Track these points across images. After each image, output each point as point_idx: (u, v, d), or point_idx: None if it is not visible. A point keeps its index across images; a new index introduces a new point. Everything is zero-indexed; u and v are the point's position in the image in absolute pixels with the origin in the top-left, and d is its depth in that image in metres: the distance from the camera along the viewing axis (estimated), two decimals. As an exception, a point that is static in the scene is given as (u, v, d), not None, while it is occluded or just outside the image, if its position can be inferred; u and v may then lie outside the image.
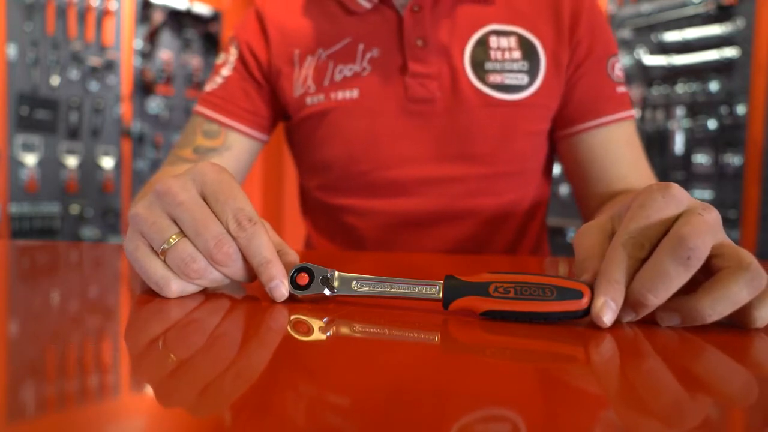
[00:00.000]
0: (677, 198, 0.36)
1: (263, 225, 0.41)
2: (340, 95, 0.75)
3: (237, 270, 0.40)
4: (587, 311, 0.36)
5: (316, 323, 0.37)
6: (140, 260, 0.40)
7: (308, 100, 0.77)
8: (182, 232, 0.39)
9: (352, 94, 0.75)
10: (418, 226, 0.78)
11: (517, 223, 0.81)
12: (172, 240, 0.39)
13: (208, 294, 0.43)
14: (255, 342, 0.33)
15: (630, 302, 0.35)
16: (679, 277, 0.34)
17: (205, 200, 0.40)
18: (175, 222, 0.40)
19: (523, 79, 0.74)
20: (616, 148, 0.77)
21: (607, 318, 0.35)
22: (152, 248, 0.40)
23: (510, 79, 0.74)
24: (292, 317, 0.38)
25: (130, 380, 0.27)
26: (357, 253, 0.73)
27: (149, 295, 0.42)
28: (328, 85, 0.75)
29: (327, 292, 0.40)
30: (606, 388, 0.28)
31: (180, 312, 0.38)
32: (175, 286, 0.40)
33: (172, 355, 0.30)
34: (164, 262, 0.40)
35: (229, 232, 0.39)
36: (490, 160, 0.76)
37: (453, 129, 0.75)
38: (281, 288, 0.39)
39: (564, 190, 2.72)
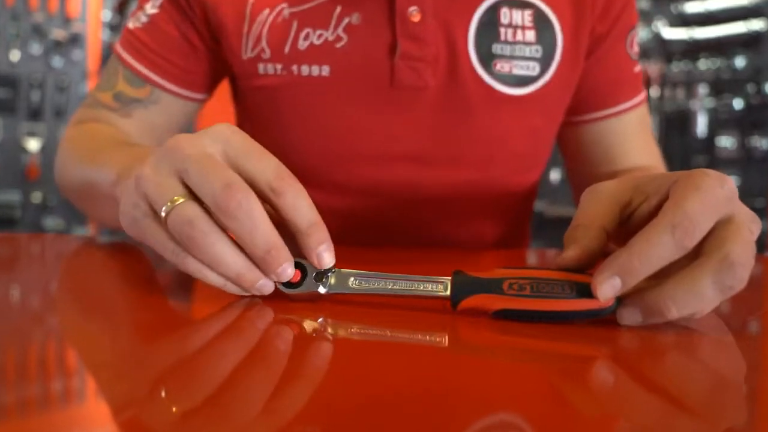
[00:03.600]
0: (733, 193, 0.35)
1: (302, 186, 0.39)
2: (305, 70, 0.66)
3: (255, 237, 0.36)
4: (611, 309, 0.36)
5: (309, 325, 0.36)
6: (144, 229, 0.39)
7: (261, 67, 0.68)
8: (191, 194, 0.37)
9: (322, 70, 0.66)
10: (384, 229, 0.75)
11: (504, 225, 0.80)
12: (176, 201, 0.37)
13: (179, 281, 0.42)
14: (237, 344, 0.33)
15: (645, 304, 0.35)
16: (715, 302, 0.34)
17: (229, 163, 0.38)
18: (186, 184, 0.38)
19: (535, 68, 0.69)
20: (629, 134, 0.77)
21: (604, 293, 0.34)
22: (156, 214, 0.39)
23: (519, 69, 0.68)
24: (282, 318, 0.37)
25: (96, 387, 0.27)
26: (354, 247, 0.72)
27: (121, 289, 0.42)
28: (289, 53, 0.66)
29: (322, 289, 0.40)
30: (632, 393, 0.28)
31: (149, 307, 0.38)
32: (193, 264, 0.38)
33: (144, 358, 0.30)
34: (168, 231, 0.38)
35: (265, 196, 0.37)
36: (483, 165, 0.71)
37: (444, 127, 0.69)
38: (330, 253, 0.39)
39: (555, 176, 2.72)
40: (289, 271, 0.38)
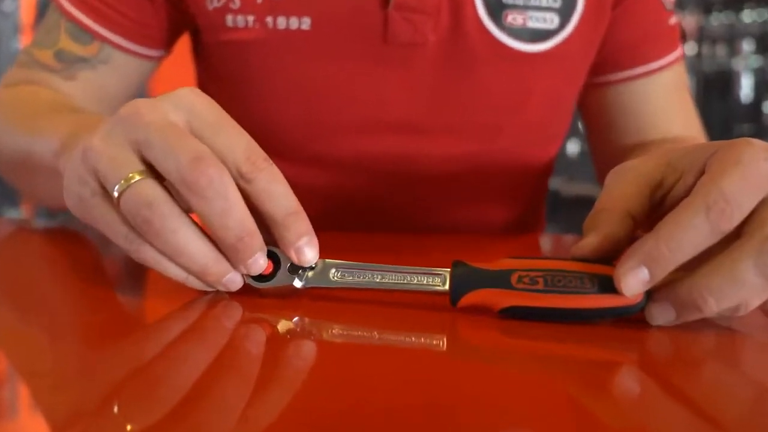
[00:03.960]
0: None
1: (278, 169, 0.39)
2: (282, 22, 0.66)
3: (227, 220, 0.36)
4: (639, 307, 0.35)
5: (283, 325, 0.36)
6: (92, 210, 0.39)
7: (229, 19, 0.67)
8: (149, 170, 0.37)
9: (301, 23, 0.66)
10: (372, 212, 0.75)
11: (514, 207, 0.80)
12: (132, 178, 0.36)
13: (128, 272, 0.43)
14: (200, 349, 0.33)
15: (678, 297, 0.35)
16: (761, 293, 0.34)
17: (194, 135, 0.38)
18: (145, 158, 0.37)
19: (553, 20, 0.68)
20: (662, 98, 0.77)
21: (629, 286, 0.34)
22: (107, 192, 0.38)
23: (535, 21, 0.68)
24: (252, 317, 0.37)
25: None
26: (337, 232, 0.72)
27: (61, 283, 0.42)
28: (263, 3, 0.66)
29: (297, 283, 0.40)
30: (663, 407, 0.28)
31: (96, 305, 0.38)
32: (150, 253, 0.37)
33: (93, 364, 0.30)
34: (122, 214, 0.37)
35: (234, 177, 0.37)
36: (491, 136, 0.72)
37: (445, 90, 0.69)
38: (311, 247, 0.38)
39: (574, 148, 2.72)
40: (261, 262, 0.38)
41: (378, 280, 0.39)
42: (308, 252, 0.38)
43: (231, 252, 0.37)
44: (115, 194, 0.36)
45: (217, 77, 0.74)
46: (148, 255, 0.37)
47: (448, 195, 0.75)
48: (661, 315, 0.35)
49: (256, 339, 0.35)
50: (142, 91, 0.76)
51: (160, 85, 0.82)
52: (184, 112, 0.38)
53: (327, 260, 0.40)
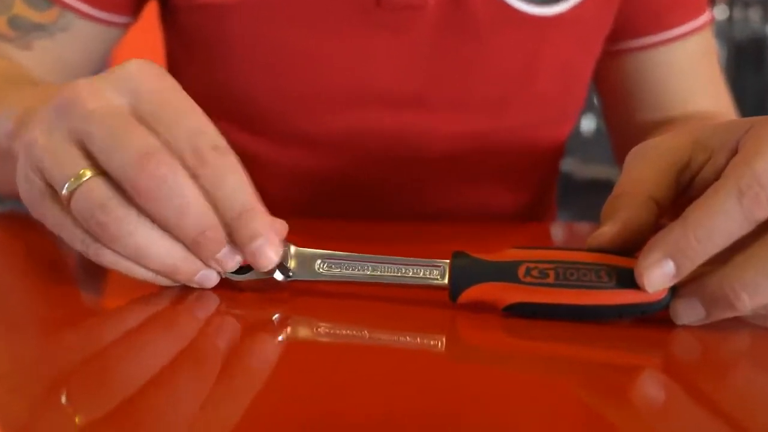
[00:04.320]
0: None
1: (234, 156, 0.38)
2: None
3: (184, 221, 0.36)
4: (663, 304, 0.35)
5: (261, 322, 0.37)
6: (42, 210, 0.38)
7: None
8: (98, 165, 0.37)
9: None
10: (362, 196, 0.75)
11: (522, 191, 0.81)
12: (81, 177, 0.36)
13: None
14: (166, 347, 0.33)
15: (707, 293, 0.34)
16: None
17: (139, 122, 0.37)
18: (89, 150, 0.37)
19: None
20: (687, 68, 0.77)
21: (652, 281, 0.34)
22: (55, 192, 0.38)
23: None
24: (226, 313, 0.37)
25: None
26: (323, 219, 0.72)
27: (14, 274, 0.42)
28: None
29: (279, 276, 0.39)
30: (689, 417, 0.28)
31: (52, 297, 0.38)
32: (110, 257, 0.37)
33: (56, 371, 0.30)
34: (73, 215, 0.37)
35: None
36: (497, 111, 0.72)
37: (447, 58, 0.70)
38: (268, 249, 0.37)
39: (589, 124, 2.72)
40: (236, 258, 0.38)
41: (369, 273, 0.39)
42: (265, 255, 0.37)
43: (195, 249, 0.37)
44: (65, 194, 0.36)
45: (189, 45, 0.73)
46: (109, 259, 0.37)
47: (448, 177, 0.75)
48: (688, 313, 0.35)
49: (229, 337, 0.35)
50: (107, 62, 0.75)
51: (125, 55, 0.82)
52: (129, 94, 0.37)
53: (312, 250, 0.40)
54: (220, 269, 0.38)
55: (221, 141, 0.37)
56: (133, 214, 0.36)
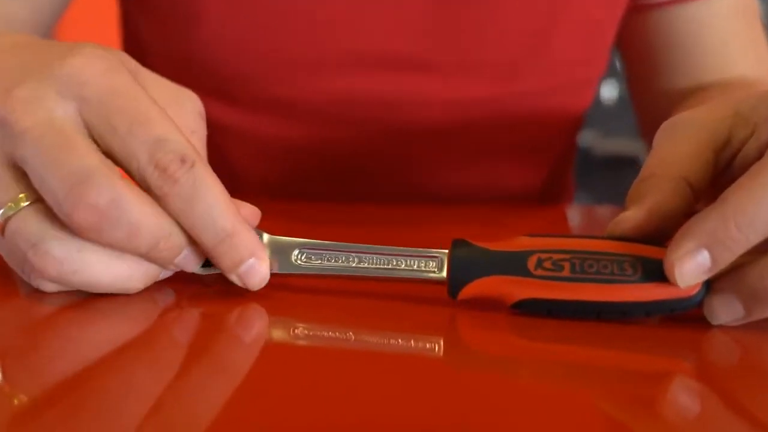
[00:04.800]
0: None
1: (206, 166, 0.37)
2: None
3: (135, 242, 0.36)
4: (696, 300, 0.35)
5: (230, 323, 0.37)
6: None
7: None
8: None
9: None
10: (350, 174, 0.76)
11: (535, 169, 0.81)
12: (19, 202, 0.36)
13: None
14: (116, 346, 0.33)
15: (747, 287, 0.34)
16: None
17: (90, 131, 0.37)
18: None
19: None
20: (724, 26, 0.77)
21: (684, 274, 0.34)
22: None
23: None
24: (188, 312, 0.38)
25: None
26: (303, 201, 0.73)
27: None
28: None
29: None
30: (727, 429, 0.28)
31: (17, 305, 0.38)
32: (55, 287, 0.38)
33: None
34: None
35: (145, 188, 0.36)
36: (506, 74, 0.73)
37: (450, 15, 0.71)
38: (259, 268, 0.37)
39: (610, 92, 2.72)
40: (199, 259, 0.38)
41: (354, 265, 0.39)
42: (256, 275, 0.38)
43: (149, 259, 0.37)
44: (0, 222, 0.36)
45: (149, 6, 0.74)
46: (53, 289, 0.38)
47: (449, 152, 0.76)
48: (725, 311, 0.35)
49: (190, 339, 0.35)
50: (54, 27, 0.75)
51: (76, 19, 0.81)
52: (76, 99, 0.36)
53: (288, 239, 0.40)
54: (178, 267, 0.38)
55: (188, 149, 0.36)
56: (75, 249, 0.35)
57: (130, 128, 0.36)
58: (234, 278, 0.37)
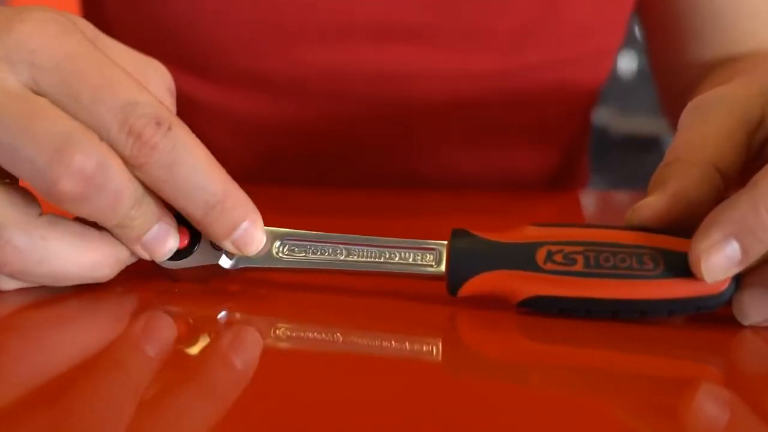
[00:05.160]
0: None
1: (184, 126, 0.37)
2: None
3: (115, 216, 0.36)
4: (724, 298, 0.35)
5: (205, 323, 0.37)
6: None
7: None
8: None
9: None
10: (339, 157, 0.77)
11: (545, 151, 0.82)
12: None
13: None
14: (93, 358, 0.33)
15: None
16: None
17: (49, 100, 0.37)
18: None
19: None
20: None
21: (712, 268, 0.34)
22: None
23: None
24: (157, 310, 0.38)
25: None
26: (286, 186, 0.74)
27: None
28: None
29: (225, 262, 0.40)
30: None
31: None
32: (14, 284, 0.38)
33: None
34: None
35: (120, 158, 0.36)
36: (516, 43, 0.74)
37: None
38: (254, 231, 0.38)
39: (628, 64, 2.72)
40: (170, 242, 0.38)
41: (342, 258, 0.39)
42: (253, 240, 0.38)
43: (120, 235, 0.37)
44: None
45: None
46: (14, 286, 0.38)
47: (450, 133, 0.76)
48: (757, 309, 0.35)
49: (159, 340, 0.35)
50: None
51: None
52: (27, 67, 0.36)
53: (269, 228, 0.40)
54: (146, 256, 0.38)
55: (162, 110, 0.36)
56: (38, 236, 0.35)
57: (95, 94, 0.35)
58: (228, 245, 0.38)
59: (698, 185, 0.37)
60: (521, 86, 0.75)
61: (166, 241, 0.37)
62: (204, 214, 0.37)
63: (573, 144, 0.84)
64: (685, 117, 0.41)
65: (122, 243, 0.37)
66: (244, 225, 0.37)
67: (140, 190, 0.36)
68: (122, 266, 0.38)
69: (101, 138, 0.35)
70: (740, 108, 0.39)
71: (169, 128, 0.35)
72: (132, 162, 0.35)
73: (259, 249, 0.39)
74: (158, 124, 0.35)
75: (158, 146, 0.35)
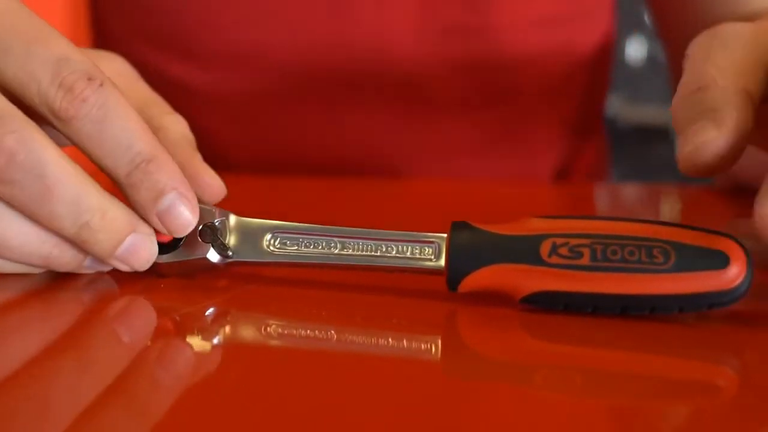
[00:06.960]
0: None
1: (115, 87, 0.38)
2: None
3: (54, 206, 0.36)
4: (738, 293, 0.35)
5: (191, 320, 0.37)
6: None
7: None
8: None
9: None
10: (337, 140, 0.77)
11: (553, 130, 0.82)
12: None
13: None
14: (63, 356, 0.33)
15: None
16: None
17: None
18: None
19: None
20: None
21: None
22: None
23: None
24: (142, 307, 0.38)
25: None
26: (273, 175, 0.74)
27: None
28: None
29: (213, 256, 0.40)
30: None
31: None
32: None
33: None
34: None
35: (47, 117, 0.36)
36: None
37: None
38: (180, 205, 0.37)
39: (637, 50, 2.72)
40: (148, 248, 0.38)
41: (337, 252, 0.39)
42: (178, 215, 0.37)
43: (79, 244, 0.37)
44: None
45: None
46: None
47: (449, 108, 0.77)
48: None
49: (142, 339, 0.35)
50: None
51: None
52: None
53: (259, 221, 0.40)
54: (125, 268, 0.38)
55: (94, 68, 0.36)
56: None
57: (27, 47, 0.36)
58: (155, 220, 0.37)
59: (750, 117, 0.36)
60: (511, 47, 0.75)
61: (143, 252, 0.37)
62: (128, 173, 0.36)
63: (581, 124, 0.84)
64: (703, 43, 0.40)
65: (97, 258, 0.38)
66: (172, 195, 0.37)
67: (106, 199, 0.36)
68: (72, 268, 0.38)
69: (30, 93, 0.36)
70: (760, 44, 0.39)
71: (101, 85, 0.36)
72: (61, 115, 0.35)
73: (187, 231, 0.38)
74: (90, 79, 0.36)
75: (89, 100, 0.35)
